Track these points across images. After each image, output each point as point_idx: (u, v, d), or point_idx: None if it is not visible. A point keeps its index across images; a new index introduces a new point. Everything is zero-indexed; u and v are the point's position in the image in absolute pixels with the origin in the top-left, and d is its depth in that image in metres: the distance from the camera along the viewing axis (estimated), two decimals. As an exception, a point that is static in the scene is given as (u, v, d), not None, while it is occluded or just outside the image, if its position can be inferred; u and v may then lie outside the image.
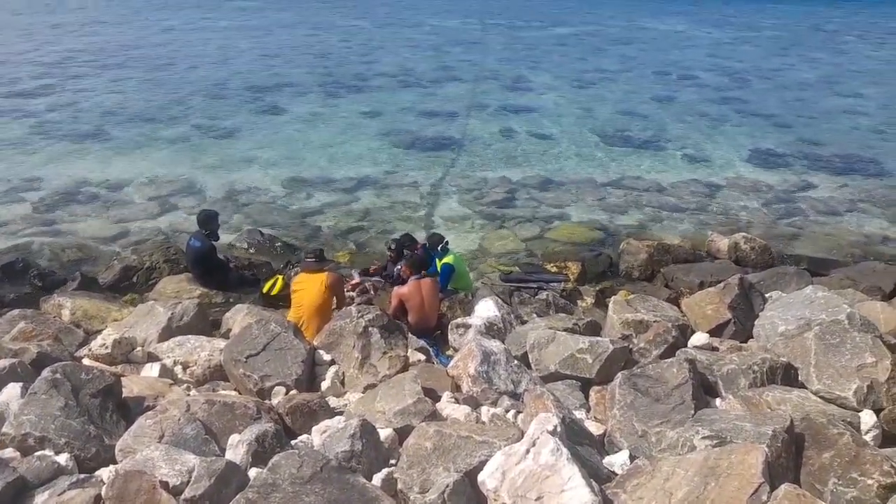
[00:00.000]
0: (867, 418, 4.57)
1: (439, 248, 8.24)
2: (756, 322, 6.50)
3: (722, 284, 7.02)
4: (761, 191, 13.51)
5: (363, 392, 5.46)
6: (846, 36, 42.32)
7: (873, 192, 13.52)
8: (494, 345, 5.70)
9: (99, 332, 6.66)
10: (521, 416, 4.74)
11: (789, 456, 3.93)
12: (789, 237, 11.29)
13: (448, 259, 8.15)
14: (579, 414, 5.00)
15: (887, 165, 15.37)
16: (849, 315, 5.77)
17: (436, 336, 7.18)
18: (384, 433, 4.45)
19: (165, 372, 5.66)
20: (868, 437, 4.43)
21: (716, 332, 6.56)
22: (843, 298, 6.34)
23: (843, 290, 7.19)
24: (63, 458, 4.08)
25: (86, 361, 5.63)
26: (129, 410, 4.75)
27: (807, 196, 13.29)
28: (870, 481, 3.64)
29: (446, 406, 4.94)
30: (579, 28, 42.86)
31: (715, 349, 6.01)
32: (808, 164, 15.35)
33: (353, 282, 8.30)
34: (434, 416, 4.70)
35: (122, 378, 5.17)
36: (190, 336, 6.37)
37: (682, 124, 18.68)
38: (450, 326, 7.05)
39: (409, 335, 6.66)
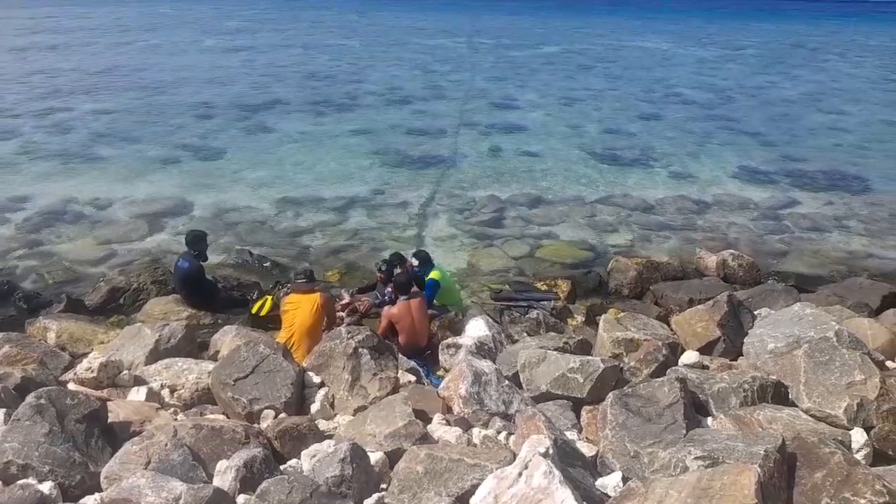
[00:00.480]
0: (858, 436, 4.58)
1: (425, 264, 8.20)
2: (746, 340, 6.53)
3: (711, 302, 7.06)
4: (748, 207, 13.64)
5: (353, 414, 5.41)
6: (827, 54, 43.11)
7: (857, 209, 13.69)
8: (485, 365, 5.68)
9: (85, 355, 6.58)
10: (512, 437, 4.71)
11: (781, 476, 3.92)
12: (776, 254, 11.39)
13: (433, 274, 8.13)
14: (571, 435, 4.97)
15: (870, 182, 15.58)
16: (837, 332, 5.81)
17: (426, 356, 7.15)
18: (374, 457, 4.40)
19: (152, 396, 5.59)
20: (859, 456, 4.44)
21: (706, 349, 6.59)
22: (831, 315, 6.38)
23: (830, 307, 7.24)
24: (47, 487, 4.00)
25: (71, 386, 5.55)
26: (115, 436, 4.68)
27: (793, 212, 13.43)
28: (862, 501, 3.63)
29: (437, 428, 4.91)
30: (565, 47, 43.39)
31: (705, 367, 6.02)
32: (793, 180, 15.54)
33: (343, 302, 8.27)
34: (425, 438, 4.66)
35: (108, 402, 5.09)
36: (178, 358, 6.30)
37: (668, 142, 18.87)
38: (440, 347, 7.02)
39: (400, 356, 6.63)
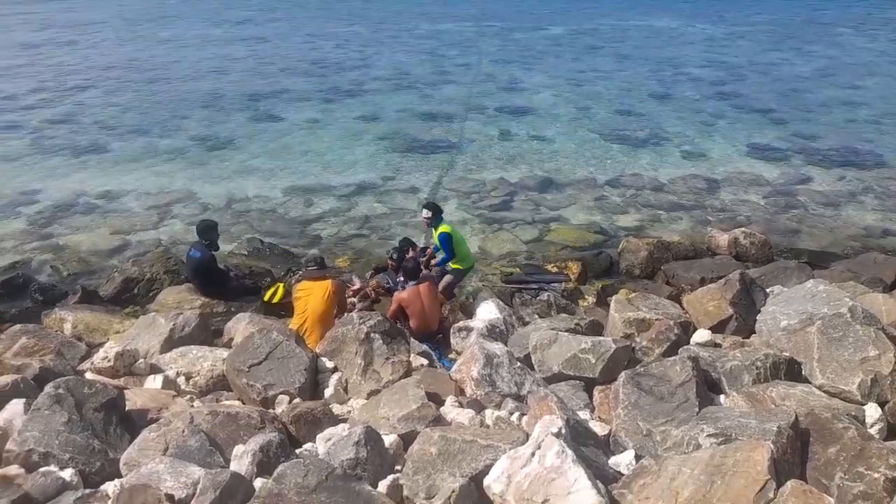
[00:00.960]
0: (872, 411, 4.56)
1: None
2: (758, 317, 6.50)
3: (723, 280, 7.03)
4: (760, 185, 13.51)
5: (367, 398, 5.46)
6: (840, 28, 42.33)
7: (871, 184, 13.52)
8: (497, 347, 5.69)
9: (101, 345, 6.67)
10: (525, 418, 4.74)
11: (795, 452, 3.92)
12: (789, 231, 11.29)
13: (444, 228, 8.18)
14: (583, 414, 4.99)
15: (885, 156, 15.37)
16: (851, 308, 5.77)
17: (438, 340, 7.18)
18: (389, 439, 4.44)
19: (168, 383, 5.66)
20: (873, 431, 4.42)
21: (718, 328, 6.56)
22: (845, 291, 6.33)
23: (844, 283, 7.18)
24: (68, 474, 4.07)
25: (88, 375, 5.63)
26: (132, 423, 4.75)
27: (805, 189, 13.29)
28: (876, 475, 3.63)
29: (450, 410, 4.94)
30: (573, 27, 42.90)
31: (718, 346, 6.01)
32: (806, 157, 15.36)
33: (354, 287, 8.30)
34: (438, 420, 4.70)
35: (125, 391, 5.16)
36: (192, 346, 6.37)
37: (678, 121, 18.68)
38: (452, 330, 7.05)
39: (412, 340, 6.66)
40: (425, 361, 6.21)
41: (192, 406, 5.21)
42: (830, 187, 13.37)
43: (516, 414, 4.93)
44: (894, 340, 5.05)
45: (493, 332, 6.76)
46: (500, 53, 31.70)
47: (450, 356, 6.86)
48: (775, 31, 41.15)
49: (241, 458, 4.11)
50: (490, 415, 4.91)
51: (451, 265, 8.35)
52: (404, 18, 48.51)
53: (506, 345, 6.17)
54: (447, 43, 35.35)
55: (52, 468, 4.12)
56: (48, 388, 4.59)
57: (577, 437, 4.15)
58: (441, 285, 8.27)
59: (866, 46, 34.37)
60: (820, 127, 18.04)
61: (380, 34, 39.24)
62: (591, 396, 5.35)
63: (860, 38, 38.03)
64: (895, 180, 13.75)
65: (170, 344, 6.47)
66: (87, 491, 3.97)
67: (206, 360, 6.01)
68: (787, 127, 18.09)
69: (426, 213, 8.25)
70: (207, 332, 7.08)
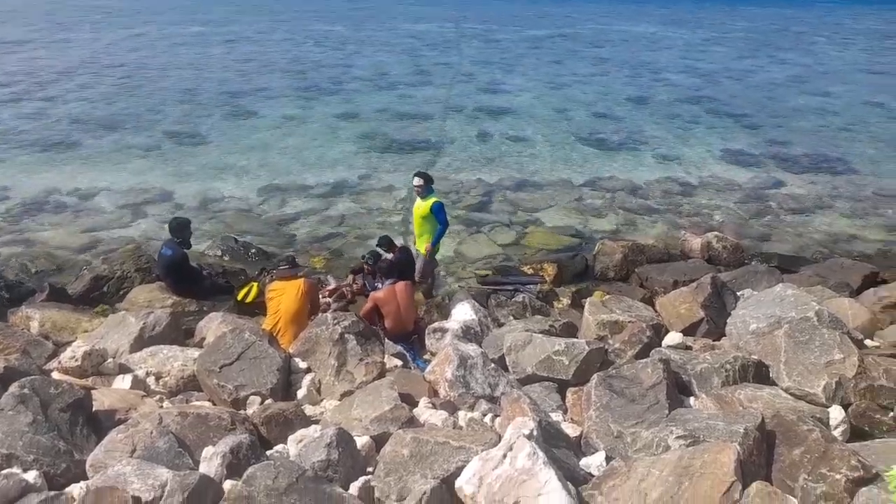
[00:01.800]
0: (836, 414, 4.65)
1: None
2: (728, 320, 6.60)
3: (695, 284, 7.12)
4: (733, 190, 13.73)
5: (340, 400, 5.43)
6: (814, 37, 43.21)
7: (841, 190, 13.81)
8: (471, 348, 5.70)
9: (69, 343, 6.53)
10: (498, 420, 4.75)
11: (761, 453, 3.99)
12: (760, 235, 11.48)
13: (436, 198, 8.31)
14: (556, 416, 5.02)
15: (854, 164, 15.71)
16: (817, 312, 5.88)
17: (413, 340, 7.17)
18: (361, 441, 4.43)
19: (137, 383, 5.58)
20: (837, 433, 4.51)
21: (689, 330, 6.65)
22: (812, 296, 6.46)
23: (811, 288, 7.33)
24: (31, 476, 3.98)
25: (55, 375, 5.52)
26: (100, 424, 4.66)
27: (777, 194, 13.53)
28: (838, 476, 3.71)
29: (423, 412, 4.93)
30: (552, 31, 43.22)
31: (689, 348, 6.08)
32: (778, 162, 15.64)
33: (329, 288, 8.26)
34: (411, 422, 4.69)
35: (92, 391, 5.08)
36: (163, 346, 6.27)
37: (655, 125, 18.91)
38: (427, 331, 7.04)
39: (386, 340, 6.65)
40: (399, 362, 6.19)
41: (162, 407, 5.13)
42: (801, 192, 13.63)
43: (489, 415, 4.94)
44: (858, 344, 5.17)
45: (469, 334, 6.77)
46: (481, 55, 31.82)
47: (424, 357, 6.86)
48: (751, 38, 41.87)
49: (211, 460, 4.06)
50: (463, 416, 4.92)
51: (430, 248, 8.31)
52: (385, 18, 48.45)
53: (481, 346, 6.18)
54: (428, 43, 35.37)
55: (16, 470, 4.03)
56: (13, 387, 4.49)
57: (549, 439, 4.17)
58: (419, 271, 8.31)
59: (838, 55, 35.11)
60: (792, 133, 18.38)
61: (360, 33, 39.14)
62: (563, 398, 5.38)
63: (833, 46, 38.86)
64: (863, 187, 14.07)
65: (140, 343, 6.37)
66: (52, 493, 3.89)
67: (176, 360, 5.92)
68: (761, 133, 18.41)
69: (418, 182, 8.31)
70: (179, 332, 6.98)
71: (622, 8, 64.92)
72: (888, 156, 16.41)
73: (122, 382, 5.54)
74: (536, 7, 62.52)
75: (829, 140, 17.83)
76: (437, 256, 8.97)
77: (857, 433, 4.63)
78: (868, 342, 6.22)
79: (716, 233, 10.38)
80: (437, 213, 8.26)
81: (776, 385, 5.12)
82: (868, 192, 13.67)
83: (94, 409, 4.77)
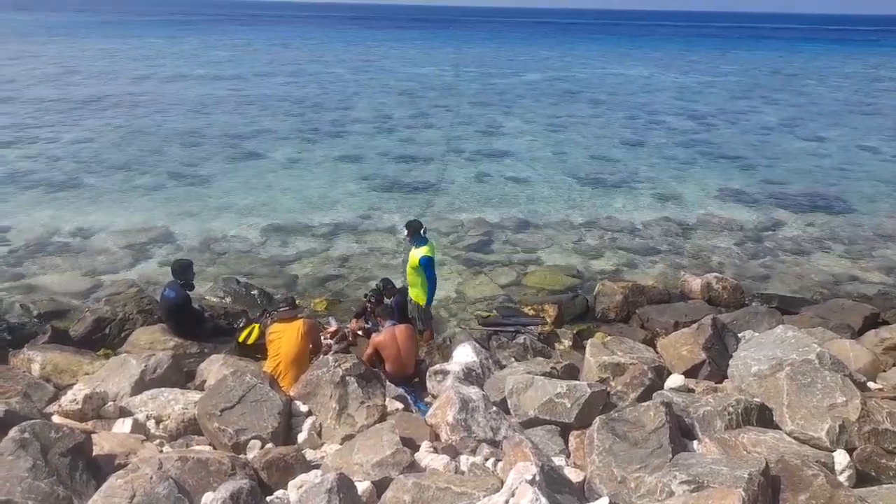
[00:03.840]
0: (840, 458, 4.62)
1: (422, 233, 8.22)
2: (730, 362, 6.60)
3: (696, 325, 7.13)
4: (731, 230, 13.84)
5: (340, 443, 5.39)
6: (805, 80, 44.10)
7: (838, 231, 13.92)
8: (473, 391, 5.68)
9: (70, 386, 6.51)
10: (500, 464, 4.71)
11: (766, 499, 3.95)
12: (760, 276, 11.53)
13: (426, 251, 8.05)
14: (558, 460, 4.98)
15: (851, 204, 15.87)
16: (819, 354, 5.89)
17: (414, 383, 7.14)
18: (362, 486, 4.38)
19: (138, 427, 5.54)
20: (842, 478, 4.48)
21: (691, 372, 6.64)
22: (813, 338, 6.47)
23: (812, 329, 7.33)
24: (30, 522, 3.94)
25: (55, 418, 5.49)
26: (99, 469, 4.63)
27: (775, 235, 13.64)
28: (845, 522, 3.67)
29: (425, 456, 4.89)
30: (549, 74, 44.09)
31: (691, 391, 6.07)
32: (775, 203, 15.80)
33: (331, 329, 8.26)
34: (412, 466, 4.65)
35: (92, 435, 5.04)
36: (164, 389, 6.25)
37: (651, 167, 19.15)
38: (428, 373, 7.02)
39: (388, 383, 6.63)
40: (401, 405, 6.16)
41: (162, 451, 5.10)
42: (799, 233, 13.74)
43: (492, 460, 4.90)
44: (861, 387, 5.16)
45: (470, 376, 6.75)
46: (479, 97, 32.39)
47: (426, 400, 6.82)
48: (743, 81, 42.71)
49: (211, 506, 4.02)
50: (465, 461, 4.88)
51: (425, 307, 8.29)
52: (385, 62, 49.43)
53: (482, 388, 6.16)
54: (427, 86, 36.03)
55: (14, 516, 3.99)
56: (13, 431, 4.46)
57: (552, 484, 4.14)
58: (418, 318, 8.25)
59: (830, 97, 35.77)
60: (788, 174, 18.62)
61: (361, 76, 39.90)
62: (566, 441, 5.35)
63: (824, 88, 39.62)
64: (861, 227, 14.19)
65: (141, 386, 6.35)
66: (50, 541, 3.84)
67: (177, 403, 5.90)
68: (756, 174, 18.64)
69: (405, 232, 8.30)
70: (180, 374, 6.96)
71: (616, 52, 66.45)
72: (884, 197, 16.60)
73: (123, 426, 5.50)
74: (531, 52, 63.92)
75: (825, 181, 18.05)
76: (437, 295, 8.91)
77: (862, 478, 4.59)
78: (871, 384, 6.21)
79: (715, 274, 10.44)
80: (426, 268, 7.98)
81: (780, 428, 5.10)
82: (866, 233, 13.78)
83: (93, 453, 4.73)
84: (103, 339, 8.22)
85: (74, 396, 5.73)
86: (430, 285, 8.12)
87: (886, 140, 23.93)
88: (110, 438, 5.19)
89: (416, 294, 8.27)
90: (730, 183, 17.48)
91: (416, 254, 8.04)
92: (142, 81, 34.15)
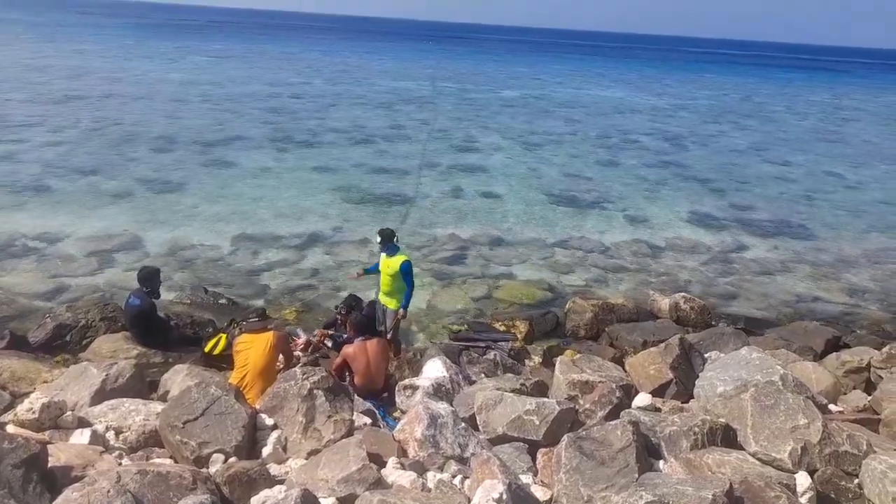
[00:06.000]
0: (802, 480, 4.69)
1: (395, 241, 8.19)
2: (696, 382, 6.67)
3: (663, 345, 7.20)
4: (699, 251, 14.07)
5: (306, 458, 5.30)
6: (773, 107, 45.32)
7: (803, 254, 14.26)
8: (442, 407, 5.65)
9: (27, 394, 6.30)
10: (468, 481, 4.68)
11: (730, 520, 3.99)
12: (727, 296, 11.74)
13: (404, 257, 8.09)
14: (526, 478, 4.97)
15: (814, 229, 16.29)
16: (782, 376, 5.99)
17: (383, 398, 7.07)
18: (327, 503, 4.32)
19: (97, 438, 5.37)
20: (804, 500, 4.54)
21: (658, 391, 6.69)
22: (777, 360, 6.58)
23: (776, 351, 7.47)
24: (-23, 537, 3.79)
25: (10, 428, 5.30)
26: (54, 482, 4.47)
27: (742, 257, 13.91)
28: (806, 544, 3.72)
29: (392, 472, 4.84)
30: (525, 92, 44.58)
31: (658, 410, 6.11)
32: (742, 226, 16.13)
33: (300, 341, 8.16)
34: (379, 483, 4.60)
35: (48, 446, 4.88)
36: (125, 399, 6.08)
37: (623, 186, 19.43)
38: (397, 388, 6.96)
39: (356, 397, 6.55)
40: (369, 420, 6.09)
41: (120, 464, 4.95)
42: (765, 255, 14.03)
43: (459, 477, 4.87)
44: (823, 409, 5.26)
45: (440, 391, 6.71)
46: (456, 112, 32.57)
47: (394, 415, 6.76)
48: (714, 105, 43.71)
49: (170, 522, 3.92)
50: (432, 477, 4.84)
51: (402, 313, 8.24)
52: (362, 74, 49.47)
53: (451, 404, 6.13)
54: (404, 99, 36.13)
55: (-39, 531, 3.83)
56: (-37, 442, 4.30)
57: (519, 503, 4.12)
58: (389, 328, 8.19)
59: (798, 124, 36.79)
60: (755, 198, 19.04)
61: (338, 87, 39.86)
62: (534, 459, 5.34)
63: (792, 115, 40.73)
64: (825, 251, 14.57)
65: (101, 396, 6.17)
66: (-2, 557, 3.70)
67: (138, 415, 5.74)
68: (725, 196, 19.04)
69: (377, 240, 8.19)
70: (142, 384, 6.78)
71: (591, 73, 67.57)
72: (847, 223, 17.08)
73: (81, 437, 5.33)
74: (508, 70, 64.62)
75: (791, 206, 18.51)
76: (410, 309, 8.90)
77: (822, 500, 4.66)
78: (832, 407, 6.34)
79: (683, 293, 10.59)
80: (406, 273, 8.03)
81: (744, 449, 5.16)
82: (828, 258, 14.15)
83: (49, 465, 4.58)
84: (64, 345, 7.99)
85: (31, 405, 5.53)
86: (410, 290, 8.14)
87: (850, 167, 24.67)
88: (67, 450, 5.03)
89: (391, 301, 8.23)
90: (699, 205, 17.82)
91: (395, 260, 8.03)
92: (114, 83, 33.62)
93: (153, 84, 34.48)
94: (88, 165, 17.53)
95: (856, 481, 4.72)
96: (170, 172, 17.49)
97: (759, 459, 4.98)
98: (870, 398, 6.71)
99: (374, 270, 8.51)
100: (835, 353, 8.03)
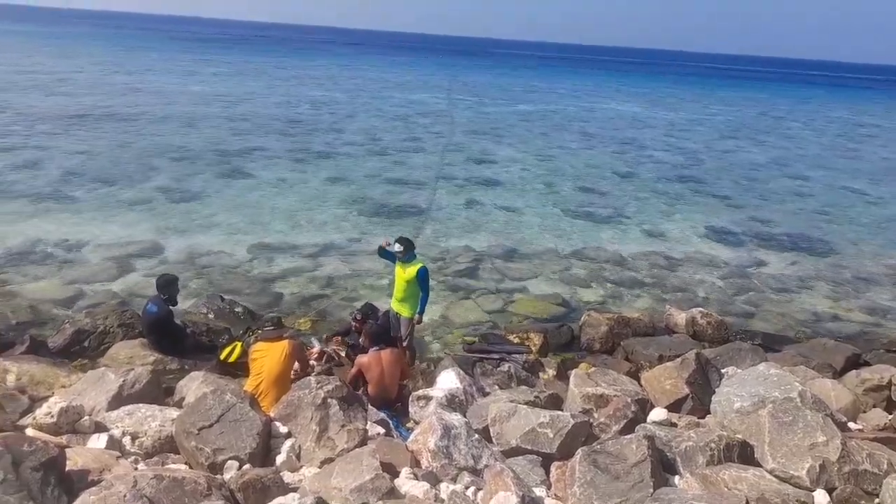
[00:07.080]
0: (820, 498, 4.62)
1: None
2: (713, 398, 6.61)
3: (680, 360, 7.15)
4: (717, 266, 13.96)
5: (320, 467, 5.31)
6: (791, 122, 45.01)
7: (822, 271, 14.10)
8: (455, 418, 5.64)
9: (45, 399, 6.38)
10: (481, 493, 4.67)
11: (746, 537, 3.94)
12: (744, 313, 11.62)
13: (422, 263, 8.06)
14: (539, 491, 4.94)
15: (834, 245, 16.10)
16: (800, 393, 5.92)
17: (396, 408, 7.08)
18: (340, 511, 4.32)
19: (113, 443, 5.43)
20: (822, 518, 4.47)
21: (674, 407, 6.64)
22: (795, 376, 6.51)
23: (795, 368, 7.38)
24: (-4, 538, 3.84)
25: (29, 431, 5.37)
26: (72, 485, 4.51)
27: (760, 273, 13.77)
28: (825, 563, 3.66)
29: (405, 482, 4.84)
30: (541, 106, 44.67)
31: (674, 425, 6.06)
32: (760, 242, 15.99)
33: (315, 350, 8.19)
34: (392, 493, 4.59)
35: (66, 450, 4.93)
36: (141, 405, 6.14)
37: (640, 200, 19.35)
38: (411, 398, 6.96)
39: (369, 407, 6.56)
40: (382, 430, 6.10)
41: (136, 469, 4.99)
42: (783, 272, 13.89)
43: (472, 488, 4.85)
44: (841, 427, 5.18)
45: (453, 403, 6.70)
46: (472, 125, 32.69)
47: (407, 425, 6.75)
48: (730, 120, 43.51)
49: (184, 527, 3.94)
50: (445, 488, 4.83)
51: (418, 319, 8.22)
52: (379, 87, 49.87)
53: (465, 415, 6.12)
54: (420, 112, 36.34)
55: (-21, 532, 3.88)
56: (-16, 444, 4.36)
57: (533, 515, 4.10)
58: (404, 335, 8.15)
59: (816, 140, 36.50)
60: (774, 213, 18.88)
61: (355, 100, 40.18)
62: (548, 472, 5.30)
63: (809, 132, 40.42)
64: (844, 268, 14.38)
65: (118, 401, 6.23)
66: (16, 558, 3.74)
67: (154, 420, 5.80)
68: (743, 211, 18.89)
69: (398, 248, 8.04)
70: (159, 390, 6.85)
71: (606, 87, 67.58)
72: (867, 239, 16.87)
73: (98, 442, 5.39)
74: (524, 84, 64.79)
75: (810, 221, 18.32)
76: (425, 319, 8.89)
77: (842, 519, 4.59)
78: (851, 425, 6.24)
79: (700, 308, 10.50)
80: (423, 280, 8.02)
81: (761, 466, 5.09)
82: (848, 275, 13.96)
83: (66, 469, 4.62)
84: (82, 351, 8.10)
85: (50, 409, 5.60)
86: (426, 296, 8.10)
87: (870, 184, 24.40)
88: (84, 454, 5.08)
89: (403, 308, 8.22)
90: (716, 220, 17.70)
91: (413, 267, 7.99)
92: (135, 93, 34.16)
93: (172, 95, 34.97)
94: (109, 174, 17.79)
95: (876, 501, 4.64)
96: (189, 182, 17.70)
97: (776, 476, 4.91)
98: (891, 417, 6.60)
99: (390, 256, 8.37)
100: (854, 371, 7.92)
